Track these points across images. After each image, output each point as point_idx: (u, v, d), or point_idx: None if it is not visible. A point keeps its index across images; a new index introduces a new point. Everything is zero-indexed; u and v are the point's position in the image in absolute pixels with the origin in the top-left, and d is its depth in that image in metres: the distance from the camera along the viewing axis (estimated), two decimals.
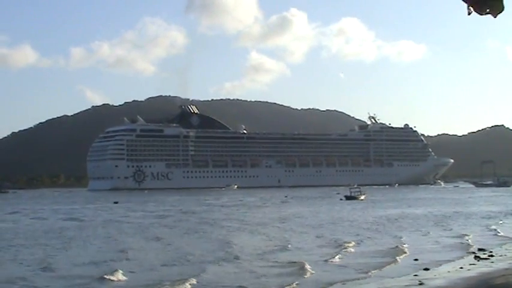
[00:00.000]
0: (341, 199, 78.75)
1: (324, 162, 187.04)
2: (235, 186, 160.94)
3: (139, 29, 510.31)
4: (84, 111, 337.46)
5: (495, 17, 5.65)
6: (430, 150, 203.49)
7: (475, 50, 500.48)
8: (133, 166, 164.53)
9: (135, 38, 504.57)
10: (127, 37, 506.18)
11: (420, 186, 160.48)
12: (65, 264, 20.80)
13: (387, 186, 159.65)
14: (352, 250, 23.81)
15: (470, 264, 19.43)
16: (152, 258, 22.42)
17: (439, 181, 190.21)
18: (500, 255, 21.47)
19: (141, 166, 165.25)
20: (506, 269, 17.84)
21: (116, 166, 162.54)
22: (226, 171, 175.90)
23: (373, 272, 18.36)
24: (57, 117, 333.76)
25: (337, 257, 21.77)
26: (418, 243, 26.82)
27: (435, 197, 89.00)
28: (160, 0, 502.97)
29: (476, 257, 21.04)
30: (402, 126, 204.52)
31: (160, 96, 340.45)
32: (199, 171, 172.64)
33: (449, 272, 18.05)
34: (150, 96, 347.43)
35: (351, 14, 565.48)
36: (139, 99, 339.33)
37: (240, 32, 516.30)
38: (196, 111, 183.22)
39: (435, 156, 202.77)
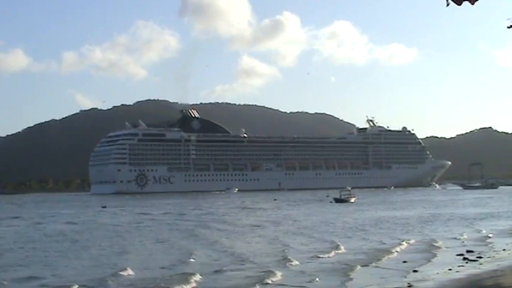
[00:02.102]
0: (331, 202, 77.55)
1: (323, 165, 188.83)
2: (236, 189, 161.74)
3: (133, 32, 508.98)
4: (73, 115, 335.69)
5: (472, 4, 5.82)
6: (428, 152, 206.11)
7: (465, 53, 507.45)
8: (135, 170, 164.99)
9: (128, 41, 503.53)
10: (120, 41, 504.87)
11: (417, 188, 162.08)
12: (136, 267, 21.07)
13: (385, 189, 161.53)
14: (396, 254, 23.98)
15: (459, 266, 19.49)
16: (216, 259, 23.02)
17: (434, 183, 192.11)
18: (489, 257, 21.63)
19: (144, 170, 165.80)
20: (495, 270, 17.92)
21: (119, 170, 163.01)
22: (227, 175, 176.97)
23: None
24: (46, 122, 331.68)
25: (381, 259, 22.14)
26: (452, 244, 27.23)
27: (431, 199, 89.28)
28: (154, 4, 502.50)
29: (465, 259, 21.21)
30: (400, 129, 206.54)
31: (149, 100, 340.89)
32: (201, 175, 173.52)
33: (438, 273, 18.08)
34: (139, 100, 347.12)
35: (343, 17, 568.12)
36: (127, 103, 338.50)
37: (233, 35, 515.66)
38: (197, 115, 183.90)
39: (433, 159, 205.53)
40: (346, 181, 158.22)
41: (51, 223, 47.57)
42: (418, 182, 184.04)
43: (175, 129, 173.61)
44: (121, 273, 19.62)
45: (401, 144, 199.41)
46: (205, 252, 25.60)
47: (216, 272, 19.79)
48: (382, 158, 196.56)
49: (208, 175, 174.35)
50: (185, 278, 18.22)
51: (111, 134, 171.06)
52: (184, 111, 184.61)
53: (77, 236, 34.83)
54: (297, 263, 21.43)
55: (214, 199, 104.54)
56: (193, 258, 23.16)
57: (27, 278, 19.21)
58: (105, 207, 76.58)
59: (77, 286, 17.24)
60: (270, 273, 19.04)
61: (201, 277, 18.48)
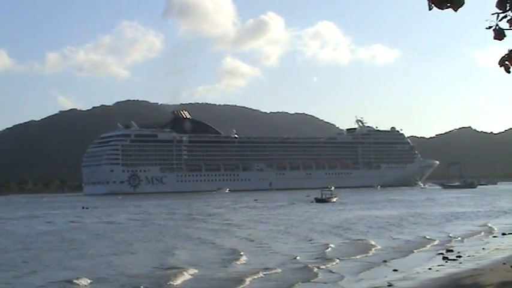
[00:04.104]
0: (312, 201, 76.43)
1: (313, 165, 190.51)
2: (227, 189, 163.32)
3: (117, 33, 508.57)
4: (52, 116, 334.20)
5: (456, 11, 5.72)
6: (416, 152, 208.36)
7: (445, 54, 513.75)
8: (128, 171, 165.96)
9: (112, 42, 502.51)
10: (104, 41, 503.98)
11: (402, 188, 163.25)
12: (194, 265, 21.45)
13: (372, 188, 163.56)
14: (421, 253, 24.57)
15: (439, 265, 19.71)
16: (262, 259, 23.54)
17: (419, 183, 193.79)
18: (468, 256, 22.01)
19: (136, 171, 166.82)
20: (474, 269, 18.18)
21: (112, 171, 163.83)
22: (219, 175, 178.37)
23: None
24: (25, 123, 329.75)
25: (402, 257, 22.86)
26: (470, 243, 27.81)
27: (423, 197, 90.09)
28: (138, 5, 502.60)
29: (445, 258, 21.47)
30: (386, 128, 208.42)
31: (129, 100, 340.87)
32: (193, 175, 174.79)
33: (418, 273, 18.36)
34: (118, 100, 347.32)
35: (327, 18, 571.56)
36: (107, 104, 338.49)
37: (218, 36, 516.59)
38: (188, 116, 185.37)
39: (421, 158, 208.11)
40: (336, 181, 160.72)
41: (89, 223, 47.49)
42: (407, 182, 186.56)
43: (167, 130, 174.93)
44: (185, 272, 19.69)
45: (390, 144, 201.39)
46: (248, 250, 26.20)
47: (267, 269, 20.22)
48: (372, 158, 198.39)
49: (200, 175, 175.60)
50: (240, 278, 18.65)
51: (104, 134, 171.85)
52: (175, 112, 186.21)
53: (121, 235, 35.71)
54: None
55: (214, 199, 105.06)
56: (240, 256, 23.78)
57: (96, 279, 19.05)
58: (87, 208, 76.62)
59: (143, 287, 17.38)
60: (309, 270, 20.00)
61: (255, 276, 18.98)
